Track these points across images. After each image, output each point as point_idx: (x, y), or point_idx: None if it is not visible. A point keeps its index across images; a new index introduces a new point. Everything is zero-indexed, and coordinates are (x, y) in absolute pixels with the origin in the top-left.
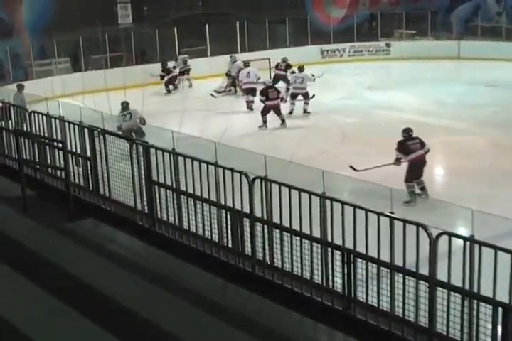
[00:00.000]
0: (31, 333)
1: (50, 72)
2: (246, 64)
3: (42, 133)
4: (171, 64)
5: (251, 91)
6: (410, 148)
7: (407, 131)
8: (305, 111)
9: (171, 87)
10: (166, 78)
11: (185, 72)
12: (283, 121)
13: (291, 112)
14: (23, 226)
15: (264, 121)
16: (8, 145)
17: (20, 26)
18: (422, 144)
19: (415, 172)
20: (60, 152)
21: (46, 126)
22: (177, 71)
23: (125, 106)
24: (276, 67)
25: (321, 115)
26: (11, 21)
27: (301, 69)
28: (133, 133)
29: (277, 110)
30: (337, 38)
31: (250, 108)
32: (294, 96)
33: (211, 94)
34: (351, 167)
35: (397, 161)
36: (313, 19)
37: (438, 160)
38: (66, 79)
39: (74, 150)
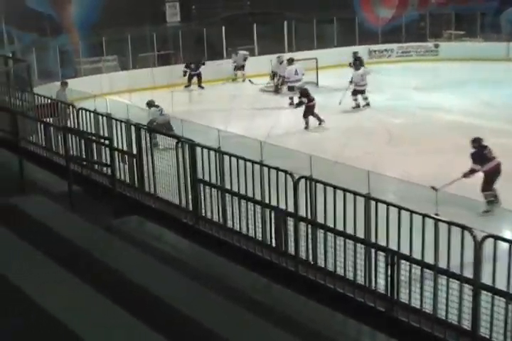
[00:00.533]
0: (79, 330)
1: (98, 70)
2: (290, 61)
3: (89, 130)
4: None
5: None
6: (488, 157)
7: (478, 141)
8: (367, 104)
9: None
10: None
11: (241, 67)
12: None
13: (355, 107)
14: (69, 222)
15: (307, 122)
16: (55, 142)
17: (70, 24)
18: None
19: (493, 181)
20: (107, 149)
21: (93, 123)
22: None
23: (152, 103)
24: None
25: (368, 115)
26: (60, 19)
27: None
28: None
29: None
30: (385, 39)
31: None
32: (355, 93)
33: (249, 80)
34: (433, 188)
35: (472, 173)
36: (362, 19)
37: None
38: (114, 77)
39: (120, 147)
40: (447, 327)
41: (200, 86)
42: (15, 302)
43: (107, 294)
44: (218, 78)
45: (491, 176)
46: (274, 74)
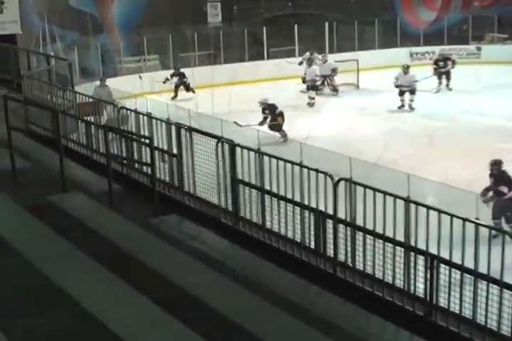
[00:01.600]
0: (116, 328)
1: (139, 69)
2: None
3: (130, 129)
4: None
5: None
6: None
7: (499, 164)
8: (410, 107)
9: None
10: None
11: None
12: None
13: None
14: (108, 221)
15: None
16: (96, 140)
17: (111, 23)
18: None
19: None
20: (147, 148)
21: (134, 122)
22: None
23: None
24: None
25: (408, 118)
26: (102, 18)
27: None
28: None
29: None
30: (427, 41)
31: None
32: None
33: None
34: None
35: (498, 195)
36: (403, 21)
37: None
38: (155, 76)
39: (160, 146)
40: (486, 332)
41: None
42: (55, 300)
43: (144, 292)
44: (281, 76)
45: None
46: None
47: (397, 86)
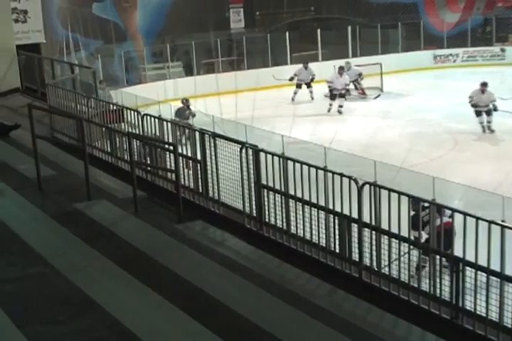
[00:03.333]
0: (143, 335)
1: (163, 76)
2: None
3: (154, 136)
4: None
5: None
6: None
7: None
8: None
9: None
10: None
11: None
12: None
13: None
14: (133, 227)
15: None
16: (120, 147)
17: (135, 31)
18: None
19: None
20: (171, 154)
21: (158, 128)
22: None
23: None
24: None
25: (433, 121)
26: (126, 26)
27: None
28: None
29: None
30: (450, 43)
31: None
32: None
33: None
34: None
35: None
36: (427, 24)
37: None
38: (178, 83)
39: (184, 153)
40: None
41: None
42: (84, 308)
43: (171, 299)
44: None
45: None
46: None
47: (473, 105)
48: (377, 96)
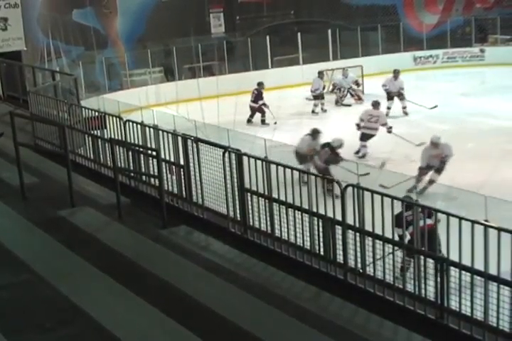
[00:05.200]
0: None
1: (144, 82)
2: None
3: (136, 142)
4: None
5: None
6: None
7: None
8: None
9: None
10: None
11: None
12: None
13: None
14: (118, 234)
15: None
16: (103, 154)
17: (115, 37)
18: None
19: None
20: (154, 160)
21: (141, 134)
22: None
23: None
24: None
25: (415, 122)
26: (106, 32)
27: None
28: None
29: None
30: (430, 45)
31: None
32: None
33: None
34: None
35: None
36: (406, 26)
37: None
38: (160, 89)
39: (167, 158)
40: (499, 334)
41: None
42: (69, 315)
43: (156, 304)
44: (286, 84)
45: None
46: (334, 87)
47: (386, 91)
48: (434, 107)
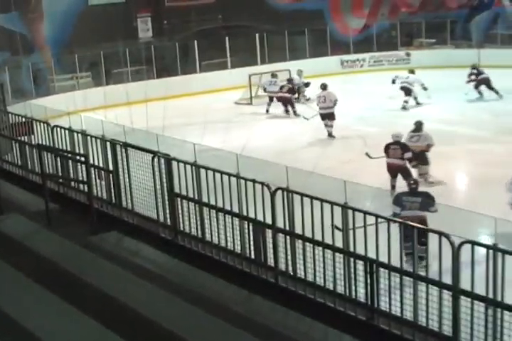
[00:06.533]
0: None
1: (72, 87)
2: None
3: (64, 148)
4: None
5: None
6: None
7: None
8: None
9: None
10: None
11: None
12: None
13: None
14: (47, 240)
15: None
16: (31, 160)
17: (42, 42)
18: None
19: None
20: (83, 165)
21: (69, 140)
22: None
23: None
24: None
25: (344, 125)
26: (33, 37)
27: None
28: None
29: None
30: (357, 49)
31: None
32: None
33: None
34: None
35: None
36: (333, 30)
37: (461, 169)
38: (88, 94)
39: (96, 163)
40: (428, 333)
41: None
42: None
43: (86, 311)
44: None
45: None
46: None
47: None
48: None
